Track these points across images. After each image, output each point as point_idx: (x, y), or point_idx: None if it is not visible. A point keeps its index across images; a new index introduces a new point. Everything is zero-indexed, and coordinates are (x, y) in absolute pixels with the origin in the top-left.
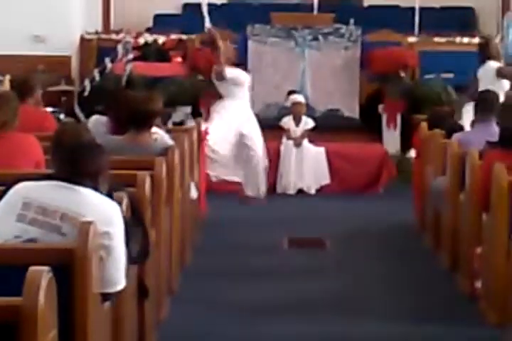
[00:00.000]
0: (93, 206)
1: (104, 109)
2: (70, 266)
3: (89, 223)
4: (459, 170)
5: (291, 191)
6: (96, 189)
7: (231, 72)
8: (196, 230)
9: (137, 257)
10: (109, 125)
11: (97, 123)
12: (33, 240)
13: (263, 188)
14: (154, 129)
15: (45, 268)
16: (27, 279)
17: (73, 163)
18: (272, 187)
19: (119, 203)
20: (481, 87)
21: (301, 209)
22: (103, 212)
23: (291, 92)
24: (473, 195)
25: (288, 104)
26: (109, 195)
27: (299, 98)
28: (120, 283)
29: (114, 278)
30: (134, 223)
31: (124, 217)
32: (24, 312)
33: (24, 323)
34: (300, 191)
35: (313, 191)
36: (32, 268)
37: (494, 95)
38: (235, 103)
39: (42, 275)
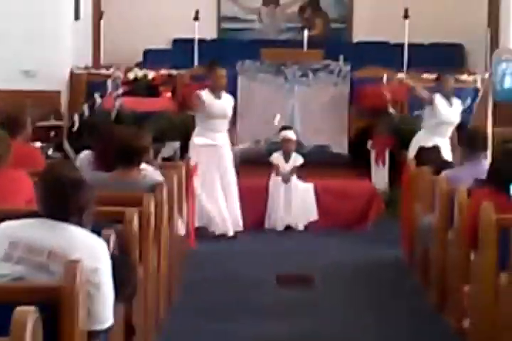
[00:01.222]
0: (80, 243)
1: (94, 144)
2: (57, 304)
3: (76, 261)
4: (447, 207)
5: (280, 227)
6: (81, 225)
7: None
8: (184, 266)
9: (125, 295)
10: (97, 161)
11: (85, 159)
12: (20, 279)
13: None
14: (143, 165)
15: (32, 308)
16: (13, 319)
17: (59, 199)
18: (260, 223)
19: (107, 240)
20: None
21: (290, 245)
22: (90, 249)
23: (283, 128)
24: (461, 233)
25: (279, 139)
26: (97, 232)
27: (290, 134)
28: (108, 321)
29: (102, 315)
30: (122, 260)
31: (112, 254)
32: None
33: None
34: (288, 227)
35: (301, 227)
36: (19, 309)
37: (482, 133)
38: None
39: (28, 316)
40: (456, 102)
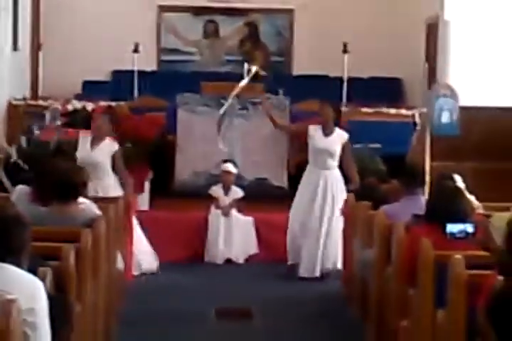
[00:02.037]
0: (17, 283)
1: (32, 178)
2: None
3: (12, 301)
4: (385, 242)
5: (220, 261)
6: (19, 265)
7: None
8: (123, 301)
9: (61, 334)
10: (33, 194)
11: (21, 192)
12: None
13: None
14: (81, 199)
15: None
16: None
17: None
18: (199, 257)
19: (43, 279)
20: None
21: (229, 279)
22: (27, 289)
23: (225, 161)
24: (399, 268)
25: (218, 172)
26: (33, 271)
27: (230, 167)
28: None
29: None
30: (58, 299)
31: (49, 293)
32: None
33: None
34: (228, 260)
35: (241, 260)
36: None
37: (420, 168)
38: None
39: None
40: (337, 133)
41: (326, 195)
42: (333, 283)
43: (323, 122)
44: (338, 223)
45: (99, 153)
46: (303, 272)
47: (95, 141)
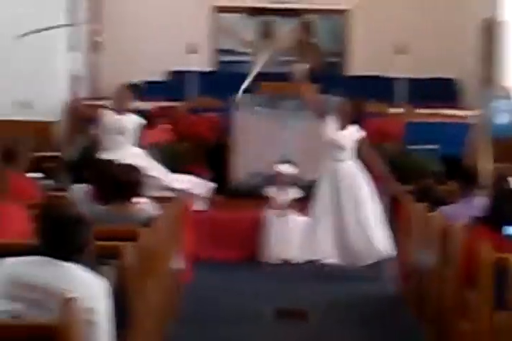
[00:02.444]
0: (78, 282)
1: (89, 177)
2: None
3: (73, 299)
4: (443, 244)
5: (275, 261)
6: (81, 264)
7: None
8: (180, 300)
9: (121, 331)
10: (92, 193)
11: (80, 192)
12: (18, 316)
13: None
14: (140, 199)
15: None
16: None
17: (59, 239)
18: (255, 257)
19: (104, 278)
20: None
21: (286, 279)
22: (88, 288)
23: (281, 162)
24: (457, 271)
25: (273, 173)
26: (94, 269)
27: (284, 168)
28: None
29: None
30: (119, 296)
31: (110, 292)
32: None
33: None
34: (285, 261)
35: (298, 261)
36: None
37: (477, 170)
38: None
39: None
40: (351, 129)
41: (342, 186)
42: (389, 284)
43: (338, 116)
44: (369, 212)
45: (125, 120)
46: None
47: (118, 111)
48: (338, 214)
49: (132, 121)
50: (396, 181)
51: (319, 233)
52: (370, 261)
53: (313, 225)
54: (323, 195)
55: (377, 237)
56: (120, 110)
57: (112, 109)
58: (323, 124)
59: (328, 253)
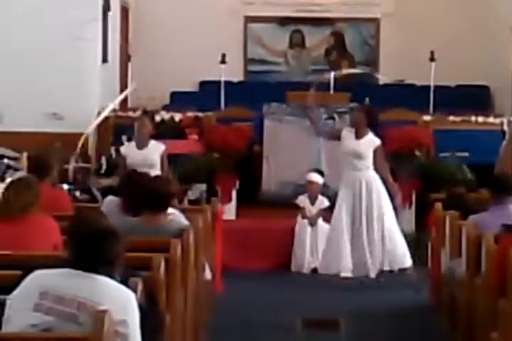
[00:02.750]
0: (109, 295)
1: (119, 189)
2: None
3: (104, 312)
4: (474, 253)
5: (306, 270)
6: (112, 276)
7: None
8: (210, 311)
9: None
10: (123, 205)
11: (111, 204)
12: (49, 329)
13: None
14: (170, 210)
15: None
16: None
17: (90, 252)
18: (286, 266)
19: (134, 290)
20: None
21: (316, 289)
22: (119, 301)
23: (311, 171)
24: (489, 279)
25: (303, 182)
26: (125, 282)
27: (314, 177)
28: None
29: None
30: (151, 310)
31: (140, 304)
32: None
33: None
34: (314, 270)
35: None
36: None
37: (509, 177)
38: None
39: None
40: (369, 137)
41: (364, 195)
42: (419, 294)
43: (353, 125)
44: (389, 220)
45: (149, 152)
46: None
47: (140, 144)
48: (359, 224)
49: (156, 151)
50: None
51: (336, 244)
52: (390, 269)
53: (331, 237)
54: (343, 204)
55: (400, 246)
56: (142, 144)
57: (135, 143)
58: (342, 137)
59: (343, 267)
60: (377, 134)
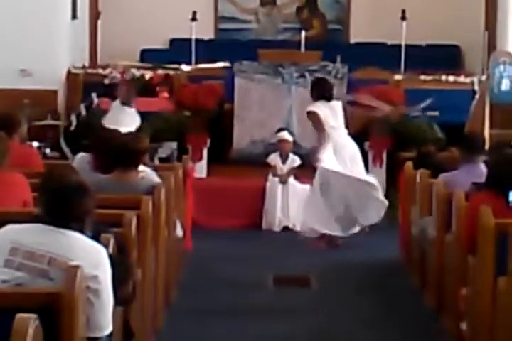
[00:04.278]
0: (81, 250)
1: (90, 146)
2: (56, 310)
3: (76, 267)
4: (445, 210)
5: (277, 228)
6: (83, 232)
7: None
8: (181, 268)
9: (124, 299)
10: (94, 162)
11: (81, 160)
12: (20, 285)
13: None
14: (141, 167)
15: (32, 315)
16: (14, 326)
17: (60, 206)
18: (257, 224)
19: (106, 245)
20: None
21: (287, 246)
22: (90, 256)
23: (280, 130)
24: (459, 237)
25: (274, 140)
26: (96, 237)
27: (286, 135)
28: (107, 328)
29: (102, 322)
30: (120, 265)
31: (111, 259)
32: None
33: None
34: (286, 228)
35: (298, 228)
36: (19, 316)
37: (479, 136)
38: None
39: (29, 323)
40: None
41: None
42: (390, 252)
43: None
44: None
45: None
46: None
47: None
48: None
49: (132, 119)
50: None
51: (321, 203)
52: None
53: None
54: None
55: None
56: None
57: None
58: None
59: (330, 226)
60: (348, 93)
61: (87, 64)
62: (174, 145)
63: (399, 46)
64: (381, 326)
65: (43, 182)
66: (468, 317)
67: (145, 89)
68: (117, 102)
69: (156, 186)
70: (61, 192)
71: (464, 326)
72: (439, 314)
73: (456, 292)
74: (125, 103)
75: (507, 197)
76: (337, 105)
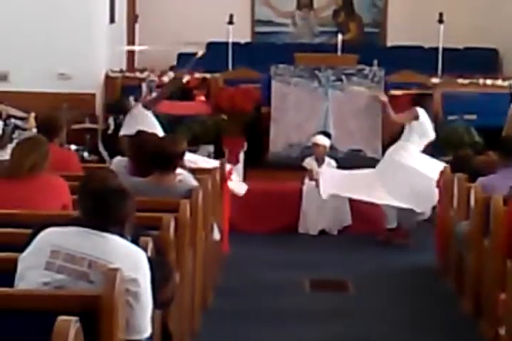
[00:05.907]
0: (120, 253)
1: (127, 150)
2: (96, 312)
3: (116, 270)
4: (483, 215)
5: (313, 232)
6: (122, 235)
7: None
8: (218, 271)
9: (162, 298)
10: (130, 166)
11: (119, 164)
12: (61, 287)
13: None
14: (179, 170)
15: (74, 318)
16: (55, 329)
17: (100, 210)
18: (293, 228)
19: (145, 248)
20: None
21: (324, 250)
22: (130, 259)
23: (318, 133)
24: (497, 241)
25: (310, 144)
26: (135, 240)
27: (319, 139)
28: (146, 331)
29: (141, 325)
30: (160, 267)
31: (150, 262)
32: None
33: None
34: (322, 232)
35: (335, 232)
36: (60, 318)
37: None
38: None
39: (70, 326)
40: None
41: None
42: (428, 257)
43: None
44: None
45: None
46: None
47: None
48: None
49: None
50: None
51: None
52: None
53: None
54: None
55: None
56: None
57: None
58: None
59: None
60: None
61: (124, 68)
62: (211, 148)
63: (436, 49)
64: (418, 331)
65: (84, 185)
66: (507, 322)
67: (182, 92)
68: (139, 105)
69: (194, 189)
70: (101, 195)
71: (502, 331)
72: (477, 319)
73: (494, 297)
74: (146, 106)
75: None
76: None
